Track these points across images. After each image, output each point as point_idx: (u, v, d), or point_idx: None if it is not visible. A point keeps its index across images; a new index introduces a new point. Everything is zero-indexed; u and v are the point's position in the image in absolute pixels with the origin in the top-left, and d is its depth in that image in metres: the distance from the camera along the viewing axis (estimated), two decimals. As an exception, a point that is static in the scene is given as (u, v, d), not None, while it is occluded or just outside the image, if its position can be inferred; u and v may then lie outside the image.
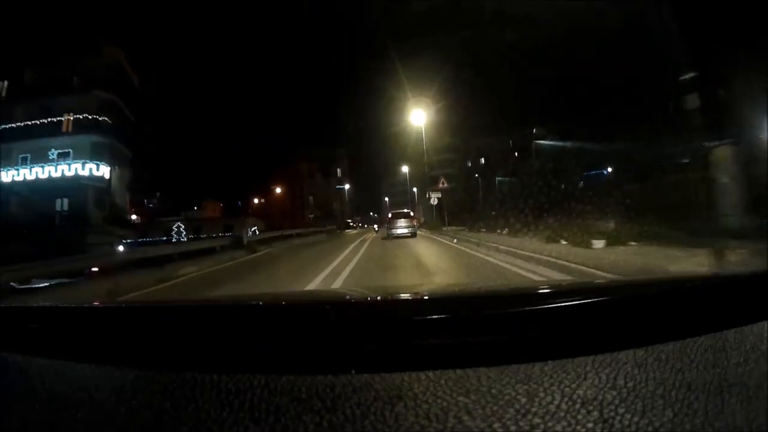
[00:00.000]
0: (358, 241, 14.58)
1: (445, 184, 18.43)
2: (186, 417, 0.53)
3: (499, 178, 24.84)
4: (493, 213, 15.47)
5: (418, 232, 15.94)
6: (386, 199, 62.64)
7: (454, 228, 17.27)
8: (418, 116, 20.49)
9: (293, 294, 2.58)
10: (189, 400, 0.56)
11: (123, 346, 0.75)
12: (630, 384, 0.55)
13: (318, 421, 0.50)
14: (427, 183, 22.45)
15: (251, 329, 0.75)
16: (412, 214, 17.16)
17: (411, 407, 0.51)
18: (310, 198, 59.51)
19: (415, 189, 48.61)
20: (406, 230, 14.58)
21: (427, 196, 20.48)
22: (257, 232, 33.85)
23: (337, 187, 60.13)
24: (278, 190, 59.38)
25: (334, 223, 43.69)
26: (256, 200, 65.48)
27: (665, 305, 0.77)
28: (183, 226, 37.83)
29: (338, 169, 61.79)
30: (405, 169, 44.92)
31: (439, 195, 20.84)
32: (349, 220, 41.81)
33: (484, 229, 13.05)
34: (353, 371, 0.60)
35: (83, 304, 1.40)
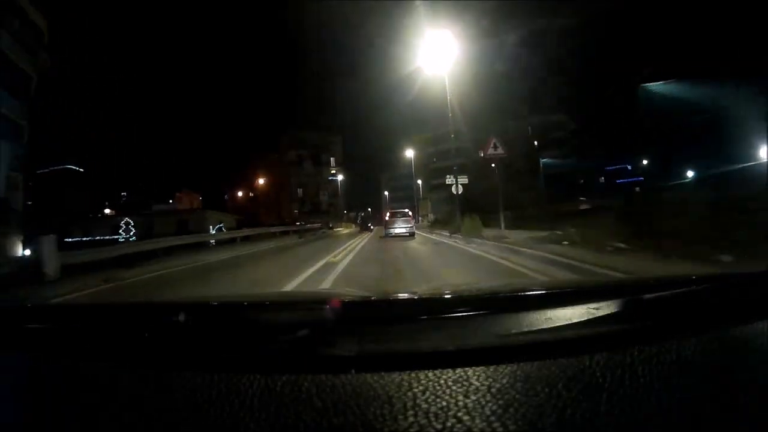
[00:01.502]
0: (328, 258, 7.68)
1: (499, 149, 10.13)
2: (186, 417, 0.53)
3: (548, 160, 17.77)
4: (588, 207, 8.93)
5: (434, 237, 13.83)
6: (386, 193, 56.14)
7: (523, 235, 8.84)
8: (444, 59, 12.69)
9: (293, 294, 2.62)
10: (189, 400, 0.56)
11: (122, 345, 0.75)
12: (631, 382, 0.55)
13: (318, 421, 0.50)
14: (453, 158, 15.42)
15: (251, 329, 0.75)
16: (410, 213, 16.77)
17: (411, 407, 0.52)
18: (299, 190, 52.36)
19: (419, 181, 41.95)
20: (404, 230, 14.56)
21: (449, 180, 13.49)
22: (223, 230, 27.23)
23: (330, 178, 52.73)
24: (261, 180, 52.33)
25: (321, 220, 36.91)
26: (240, 192, 58.60)
27: (666, 305, 0.78)
28: (132, 224, 31.27)
29: (332, 158, 54.51)
30: (410, 153, 37.28)
31: (465, 180, 13.89)
32: (305, 222, 33.69)
33: (624, 245, 5.22)
34: (353, 371, 0.60)
35: (82, 302, 1.46)
